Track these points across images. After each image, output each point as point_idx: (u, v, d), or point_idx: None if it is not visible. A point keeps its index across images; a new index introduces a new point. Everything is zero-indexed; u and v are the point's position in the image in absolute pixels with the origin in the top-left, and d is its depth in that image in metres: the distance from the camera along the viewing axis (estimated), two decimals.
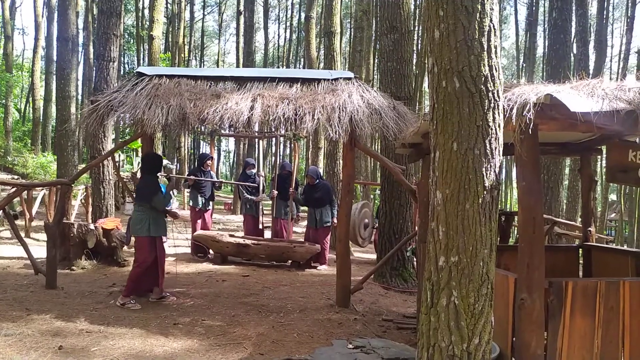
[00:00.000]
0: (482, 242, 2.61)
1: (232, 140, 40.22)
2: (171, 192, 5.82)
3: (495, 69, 2.57)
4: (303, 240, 8.34)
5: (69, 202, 8.96)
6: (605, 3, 20.60)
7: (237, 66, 23.35)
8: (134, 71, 5.96)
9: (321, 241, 7.99)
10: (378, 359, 3.01)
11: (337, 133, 4.94)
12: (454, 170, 2.61)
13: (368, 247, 10.17)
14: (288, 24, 39.16)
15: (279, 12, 42.93)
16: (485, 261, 2.63)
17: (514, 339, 3.38)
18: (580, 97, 2.78)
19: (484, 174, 2.58)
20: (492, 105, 2.57)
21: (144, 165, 5.63)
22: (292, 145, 10.53)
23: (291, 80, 5.63)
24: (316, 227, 8.00)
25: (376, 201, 13.06)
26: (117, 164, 10.26)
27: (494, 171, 2.62)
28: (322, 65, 16.57)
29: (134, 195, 5.86)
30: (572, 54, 13.08)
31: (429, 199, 5.08)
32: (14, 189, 8.62)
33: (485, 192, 2.59)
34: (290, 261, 7.90)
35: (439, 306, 2.68)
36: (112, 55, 8.19)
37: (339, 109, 5.10)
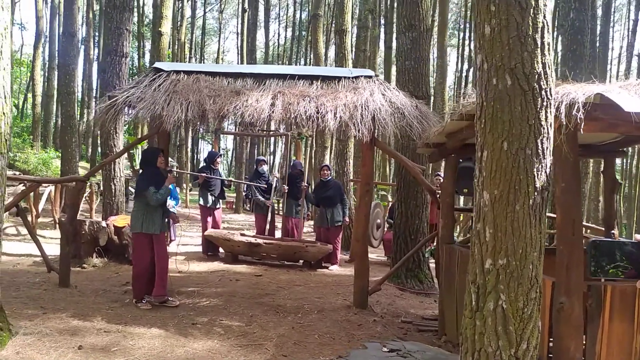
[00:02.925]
0: (532, 245, 2.55)
1: (230, 138, 39.96)
2: (170, 187, 5.52)
3: (548, 66, 2.51)
4: (314, 239, 8.26)
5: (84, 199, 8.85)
6: (611, 6, 20.62)
7: (240, 64, 23.23)
8: (151, 67, 5.86)
9: (333, 241, 7.91)
10: None
11: (360, 132, 4.86)
12: (503, 170, 2.55)
13: (378, 248, 10.10)
14: (289, 22, 39.05)
15: (279, 11, 42.81)
16: (535, 264, 2.57)
17: (550, 343, 3.33)
18: (631, 97, 2.71)
19: (535, 175, 2.52)
20: (544, 103, 2.51)
21: (141, 159, 5.51)
22: (295, 144, 10.43)
23: (311, 78, 5.55)
24: (328, 226, 7.92)
25: (378, 200, 12.94)
26: (133, 161, 10.14)
27: (545, 172, 2.55)
28: (328, 64, 16.49)
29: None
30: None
31: (452, 200, 5.06)
32: (21, 184, 8.54)
33: (536, 193, 2.53)
34: (301, 261, 7.83)
35: (485, 310, 2.61)
36: (125, 50, 8.07)
37: (361, 107, 5.03)
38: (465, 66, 28.37)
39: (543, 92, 2.49)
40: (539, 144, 2.51)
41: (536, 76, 2.47)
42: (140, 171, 5.42)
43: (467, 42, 28.53)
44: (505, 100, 2.51)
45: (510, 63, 2.49)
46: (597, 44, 19.18)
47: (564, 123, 2.80)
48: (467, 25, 27.75)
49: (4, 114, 3.72)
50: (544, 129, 2.51)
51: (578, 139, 3.08)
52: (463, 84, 28.20)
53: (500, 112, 2.53)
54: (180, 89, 5.23)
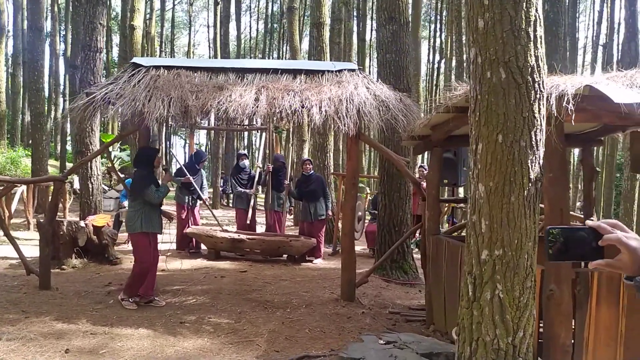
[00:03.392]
0: (527, 235, 2.60)
1: (203, 133, 39.45)
2: (167, 185, 5.55)
3: (541, 59, 2.55)
4: (297, 233, 8.25)
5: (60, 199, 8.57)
6: None
7: (213, 58, 22.90)
8: (130, 62, 5.71)
9: (316, 235, 7.92)
10: (413, 354, 2.97)
11: (346, 125, 4.85)
12: (498, 162, 2.58)
13: (360, 240, 10.17)
14: (261, 15, 38.69)
15: (250, 3, 42.34)
16: (530, 254, 2.62)
17: (540, 330, 3.40)
18: (619, 88, 2.78)
19: (530, 166, 2.56)
20: (537, 96, 2.55)
21: (136, 158, 5.41)
22: (274, 138, 10.39)
23: (294, 72, 5.51)
24: (311, 220, 7.92)
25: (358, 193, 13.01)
26: (112, 159, 9.89)
27: (539, 163, 2.60)
28: (306, 56, 16.42)
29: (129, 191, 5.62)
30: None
31: (437, 192, 5.11)
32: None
33: (530, 184, 2.57)
34: (285, 255, 7.81)
35: (482, 300, 2.66)
36: (99, 45, 7.85)
37: (346, 100, 5.02)
38: (437, 57, 28.70)
39: (536, 85, 2.53)
40: (533, 136, 2.55)
41: (529, 69, 2.51)
42: (135, 171, 5.33)
43: (438, 34, 28.83)
44: (500, 94, 2.54)
45: (504, 56, 2.52)
46: (566, 35, 19.66)
47: (554, 114, 2.85)
48: (438, 17, 28.04)
49: None
50: (537, 121, 2.56)
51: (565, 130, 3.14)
52: (435, 74, 28.54)
53: (495, 105, 2.56)
54: (161, 85, 5.12)
